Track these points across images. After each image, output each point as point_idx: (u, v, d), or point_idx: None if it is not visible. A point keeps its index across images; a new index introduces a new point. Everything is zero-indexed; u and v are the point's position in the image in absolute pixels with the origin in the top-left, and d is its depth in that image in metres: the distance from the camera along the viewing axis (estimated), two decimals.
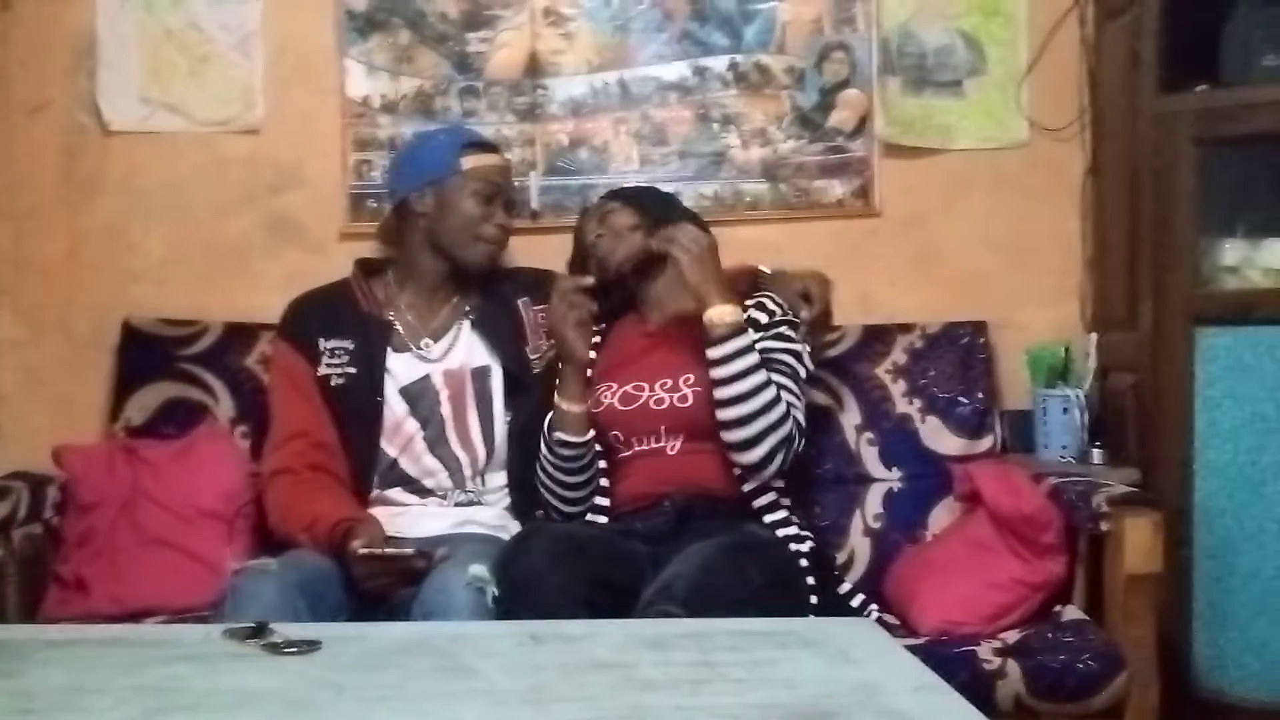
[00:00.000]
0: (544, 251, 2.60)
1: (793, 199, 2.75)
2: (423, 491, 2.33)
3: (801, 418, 2.19)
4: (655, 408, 2.22)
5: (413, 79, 2.77)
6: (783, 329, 2.26)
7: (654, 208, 2.39)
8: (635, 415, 2.23)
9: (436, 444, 2.33)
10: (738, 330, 2.13)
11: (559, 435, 2.21)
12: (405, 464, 2.32)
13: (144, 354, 2.60)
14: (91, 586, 2.28)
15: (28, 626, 2.14)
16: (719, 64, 2.76)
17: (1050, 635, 2.05)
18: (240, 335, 2.62)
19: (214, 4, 2.76)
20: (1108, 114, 2.66)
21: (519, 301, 2.45)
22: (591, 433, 2.24)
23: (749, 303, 2.27)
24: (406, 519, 2.27)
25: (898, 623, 2.19)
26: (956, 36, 2.75)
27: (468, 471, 2.34)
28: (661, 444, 2.22)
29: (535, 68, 2.77)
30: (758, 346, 2.17)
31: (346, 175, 2.76)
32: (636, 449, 2.24)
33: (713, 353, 2.12)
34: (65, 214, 2.74)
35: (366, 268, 2.47)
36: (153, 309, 2.67)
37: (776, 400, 2.13)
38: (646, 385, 2.24)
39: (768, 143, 2.76)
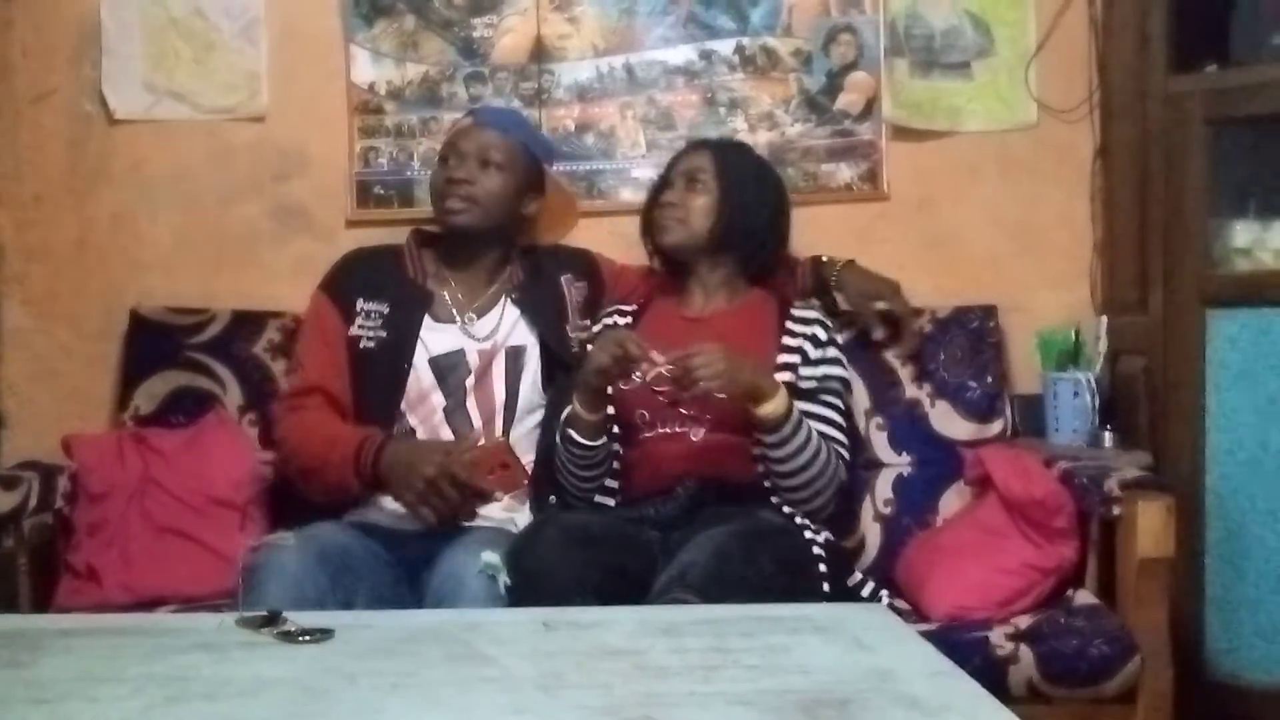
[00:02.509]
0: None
1: (801, 183, 2.73)
2: None
3: (846, 452, 2.22)
4: (689, 392, 2.17)
5: (419, 65, 2.76)
6: (829, 351, 2.28)
7: (739, 193, 2.32)
8: (663, 401, 2.20)
9: (454, 416, 2.30)
10: (786, 416, 2.10)
11: (572, 435, 2.20)
12: (423, 436, 2.29)
13: (152, 343, 2.60)
14: (103, 576, 2.28)
15: (40, 616, 2.15)
16: (725, 47, 2.75)
17: (1063, 620, 2.05)
18: (248, 323, 2.61)
19: None
20: (1117, 95, 2.64)
21: (561, 279, 2.43)
22: (604, 440, 2.21)
23: (801, 328, 2.27)
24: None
25: (909, 608, 2.19)
26: (964, 17, 2.74)
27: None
28: (685, 429, 2.20)
29: (541, 52, 2.76)
30: (807, 375, 2.20)
31: (353, 162, 2.75)
32: (660, 431, 2.22)
33: (766, 437, 2.12)
34: (72, 203, 2.74)
35: (422, 238, 2.44)
36: (160, 298, 2.67)
37: (829, 460, 2.15)
38: (682, 367, 2.18)
39: (775, 126, 2.75)
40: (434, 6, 2.76)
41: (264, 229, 2.75)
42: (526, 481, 2.19)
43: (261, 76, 2.76)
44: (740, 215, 2.31)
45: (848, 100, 2.74)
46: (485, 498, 2.12)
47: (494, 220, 2.35)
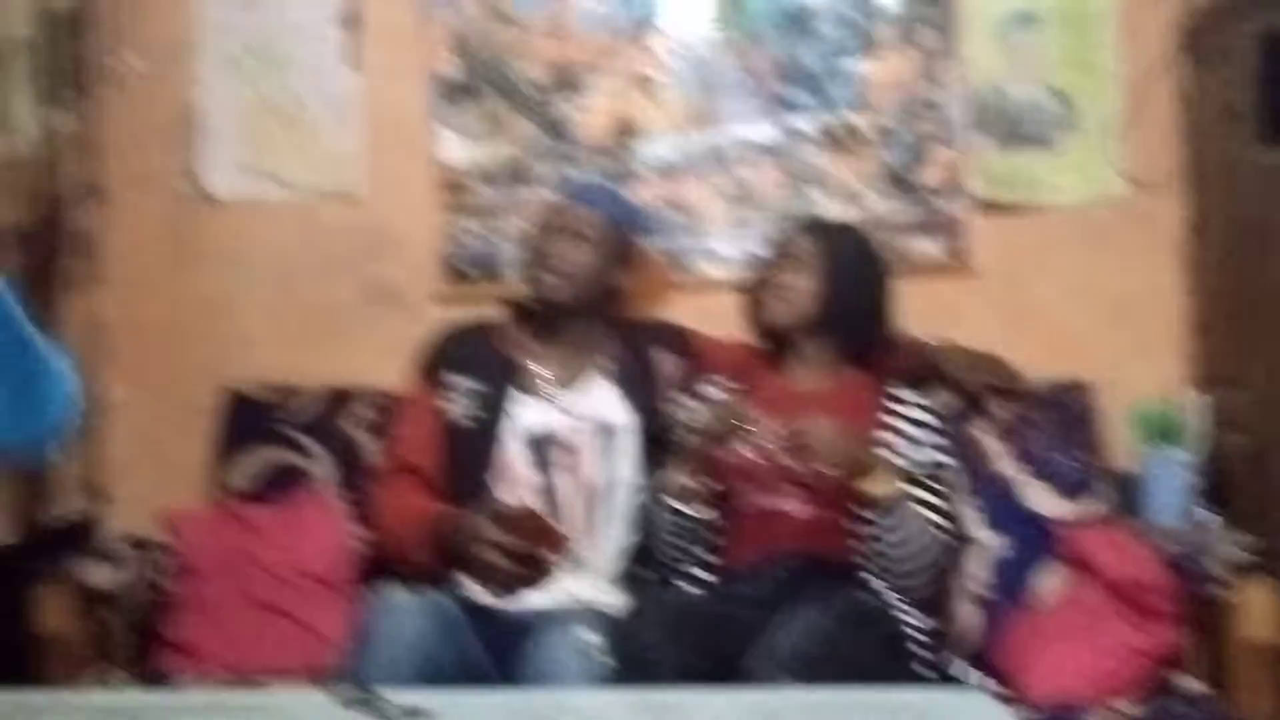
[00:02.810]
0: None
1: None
2: None
3: (946, 536, 2.22)
4: (790, 469, 2.18)
5: (505, 145, 2.81)
6: (932, 435, 2.27)
7: (843, 274, 2.33)
8: (765, 473, 2.20)
9: (550, 495, 2.31)
10: (892, 497, 2.12)
11: (671, 502, 2.20)
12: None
13: (247, 419, 2.64)
14: (201, 650, 2.31)
15: (143, 692, 2.17)
16: (807, 123, 2.77)
17: (1169, 708, 2.00)
18: (340, 400, 2.65)
19: (312, 75, 2.82)
20: (1206, 167, 2.62)
21: (655, 352, 2.44)
22: (703, 508, 2.21)
23: (903, 409, 2.27)
24: None
25: (1007, 692, 2.15)
26: (1047, 91, 2.74)
27: (578, 532, 2.29)
28: (784, 505, 2.20)
29: (625, 130, 2.79)
30: (909, 457, 2.20)
31: (442, 241, 2.80)
32: (759, 504, 2.22)
33: (870, 516, 2.12)
34: (170, 281, 2.81)
35: (516, 313, 2.47)
36: (255, 375, 2.72)
37: (929, 543, 2.15)
38: (781, 445, 2.19)
39: (857, 201, 2.76)
40: (519, 88, 2.80)
41: (355, 307, 2.79)
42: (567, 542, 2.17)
43: (353, 158, 2.82)
44: (844, 297, 2.32)
45: (930, 175, 2.75)
46: (539, 562, 2.11)
47: (585, 294, 2.37)
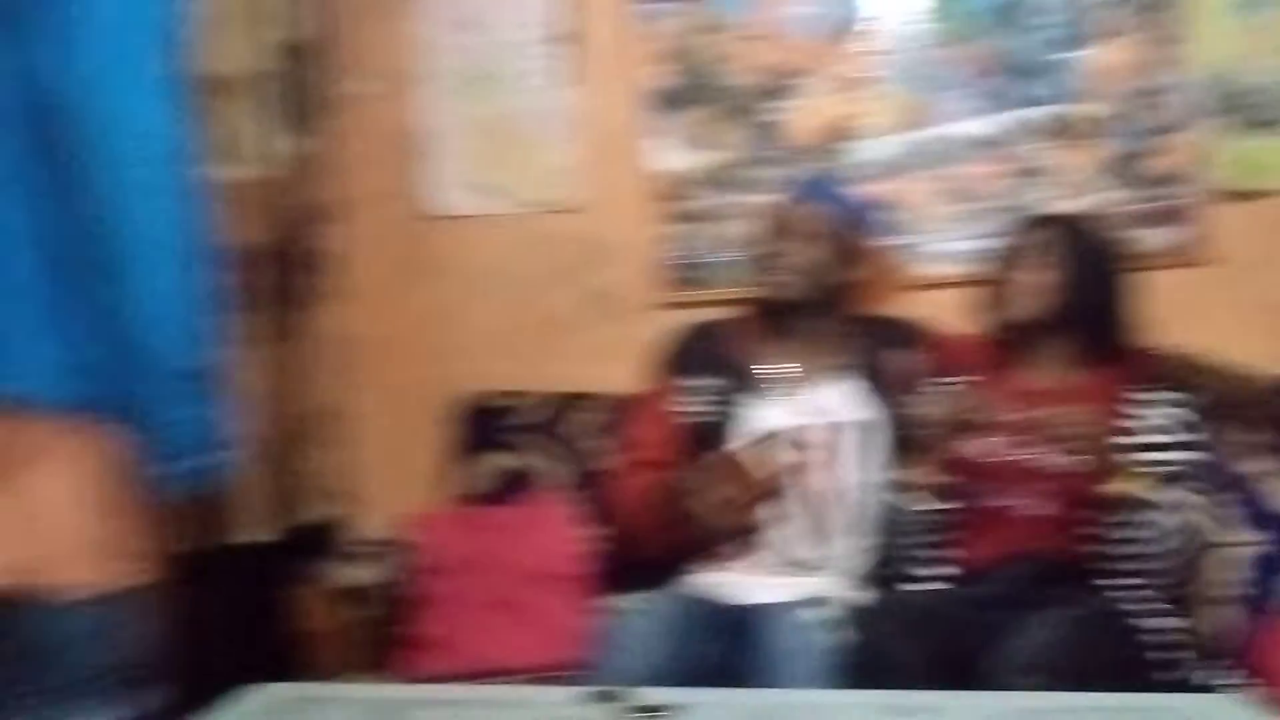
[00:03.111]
0: None
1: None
2: (768, 549, 2.30)
3: (1199, 536, 2.16)
4: (1025, 468, 2.16)
5: (719, 151, 2.84)
6: (1182, 434, 2.20)
7: (1085, 269, 2.29)
8: (1001, 470, 2.17)
9: (790, 494, 2.31)
10: (1143, 499, 2.08)
11: (909, 498, 2.19)
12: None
13: (479, 425, 2.74)
14: (442, 647, 2.41)
15: (394, 685, 2.27)
16: (1030, 116, 2.71)
17: None
18: (567, 405, 2.73)
19: (531, 92, 2.91)
20: None
21: (890, 348, 2.43)
22: (940, 504, 2.20)
23: (1150, 410, 2.21)
24: (747, 581, 2.26)
25: (1268, 699, 2.05)
26: None
27: (817, 531, 2.32)
28: (1019, 504, 2.16)
29: (838, 132, 2.78)
30: (1158, 458, 2.14)
31: (660, 248, 2.85)
32: (991, 503, 2.18)
33: (1117, 518, 2.09)
34: (404, 294, 2.93)
35: (750, 314, 2.49)
36: (486, 382, 2.82)
37: (1183, 544, 2.11)
38: (1020, 441, 2.17)
39: (1086, 194, 2.68)
40: (731, 94, 2.83)
41: (578, 314, 2.86)
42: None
43: (572, 170, 2.89)
44: (1085, 291, 2.27)
45: (1162, 164, 2.65)
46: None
47: (816, 292, 2.37)
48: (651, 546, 2.26)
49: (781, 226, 2.41)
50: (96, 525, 1.44)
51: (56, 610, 1.40)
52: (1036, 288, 2.27)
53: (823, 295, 2.39)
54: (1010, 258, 2.36)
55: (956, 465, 2.20)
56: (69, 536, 1.42)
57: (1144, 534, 2.05)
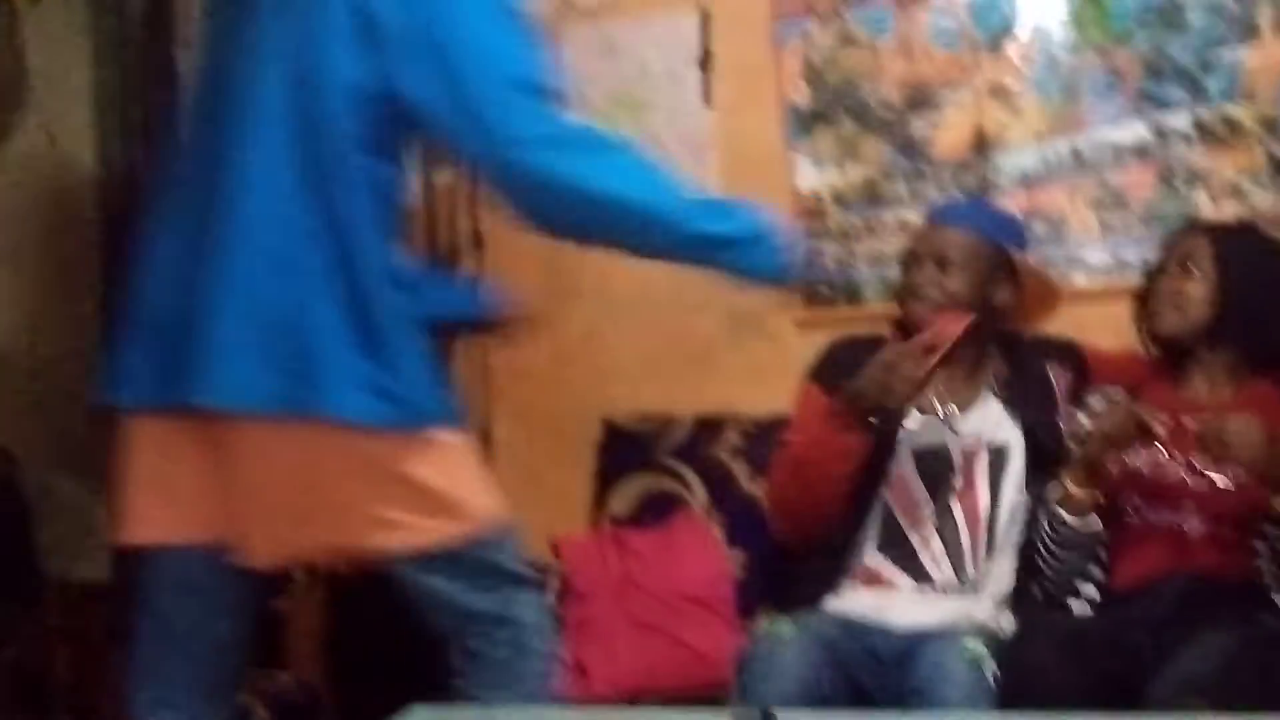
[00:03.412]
0: None
1: None
2: (918, 571, 2.27)
3: None
4: (1187, 483, 2.09)
5: (859, 167, 2.82)
6: None
7: (1239, 278, 2.20)
8: (1162, 486, 2.11)
9: (941, 516, 2.28)
10: None
11: (1060, 513, 2.13)
12: (907, 529, 2.28)
13: (624, 449, 2.77)
14: (590, 670, 2.43)
15: (543, 708, 2.30)
16: (1180, 120, 2.62)
17: None
18: (710, 428, 2.73)
19: (669, 115, 2.92)
20: None
21: (1047, 368, 2.37)
22: (1094, 520, 2.13)
23: None
24: (896, 604, 2.23)
25: None
26: None
27: (968, 554, 2.27)
28: (1180, 520, 2.10)
29: (982, 144, 2.74)
30: None
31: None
32: (1151, 520, 2.12)
33: None
34: (549, 320, 2.97)
35: (904, 327, 2.43)
36: (629, 406, 2.84)
37: None
38: (1182, 456, 2.11)
39: (1242, 199, 2.58)
40: (872, 109, 2.81)
41: (720, 337, 2.85)
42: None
43: (712, 192, 2.90)
44: (1242, 302, 2.18)
45: None
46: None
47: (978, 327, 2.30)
48: (807, 520, 2.25)
49: (918, 253, 2.36)
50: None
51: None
52: (1184, 300, 2.21)
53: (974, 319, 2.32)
54: (1157, 270, 2.29)
55: (1117, 481, 2.14)
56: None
57: None
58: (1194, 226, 2.35)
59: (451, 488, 1.82)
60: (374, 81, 1.76)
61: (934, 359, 2.15)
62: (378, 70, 1.75)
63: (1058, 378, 2.36)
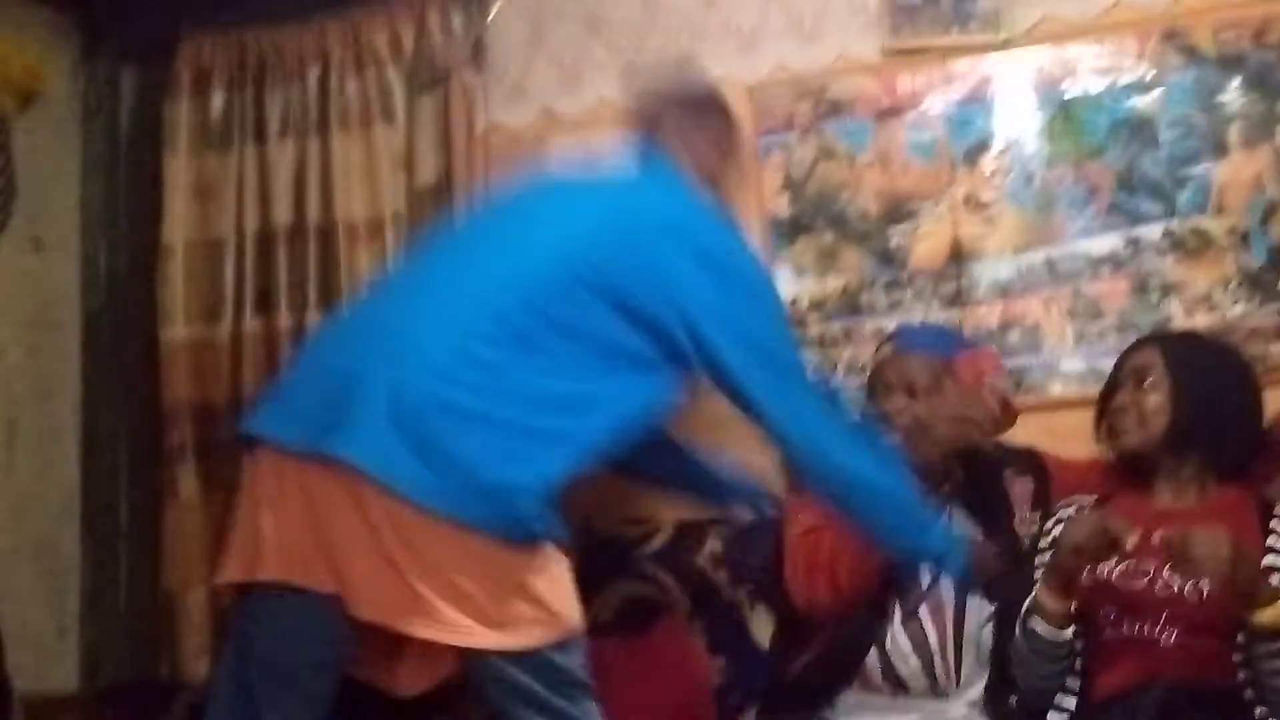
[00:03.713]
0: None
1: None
2: (895, 680, 2.27)
3: None
4: (1160, 594, 2.08)
5: (839, 276, 2.85)
6: None
7: (1194, 386, 2.20)
8: (1136, 596, 2.09)
9: (906, 622, 2.29)
10: None
11: (1035, 626, 2.13)
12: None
13: (605, 555, 2.73)
14: None
15: None
16: (1152, 232, 2.67)
17: None
18: (690, 534, 2.72)
19: None
20: None
21: (1004, 475, 2.40)
22: (1069, 631, 2.12)
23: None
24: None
25: None
26: None
27: (937, 658, 2.27)
28: (1156, 632, 2.07)
29: (959, 254, 2.78)
30: None
31: None
32: (1126, 633, 2.09)
33: (1264, 646, 1.97)
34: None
35: None
36: (610, 512, 2.81)
37: None
38: (1153, 566, 2.09)
39: (1214, 309, 2.62)
40: (851, 220, 2.85)
41: (697, 443, 2.83)
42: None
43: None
44: (1200, 410, 2.18)
45: None
46: None
47: (940, 446, 2.35)
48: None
49: (882, 382, 2.40)
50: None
51: None
52: (1144, 414, 2.20)
53: (940, 440, 2.35)
54: (1113, 385, 2.30)
55: (1089, 592, 2.12)
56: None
57: None
58: (1145, 339, 2.35)
59: (553, 598, 1.96)
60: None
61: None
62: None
63: (1016, 486, 2.38)
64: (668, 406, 2.14)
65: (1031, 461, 2.44)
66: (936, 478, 2.36)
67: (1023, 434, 2.56)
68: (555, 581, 1.97)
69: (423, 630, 1.90)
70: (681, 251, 2.06)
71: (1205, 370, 2.23)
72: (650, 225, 2.09)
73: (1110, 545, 2.01)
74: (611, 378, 2.01)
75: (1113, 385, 2.30)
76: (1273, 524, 2.13)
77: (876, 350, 2.53)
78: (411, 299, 2.06)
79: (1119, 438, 2.25)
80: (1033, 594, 2.12)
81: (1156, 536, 2.01)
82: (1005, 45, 2.78)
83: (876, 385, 2.42)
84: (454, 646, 1.93)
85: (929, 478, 2.33)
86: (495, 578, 1.89)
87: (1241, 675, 2.01)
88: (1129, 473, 2.28)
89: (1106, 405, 2.29)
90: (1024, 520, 2.35)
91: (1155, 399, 2.20)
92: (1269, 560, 2.08)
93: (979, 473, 2.40)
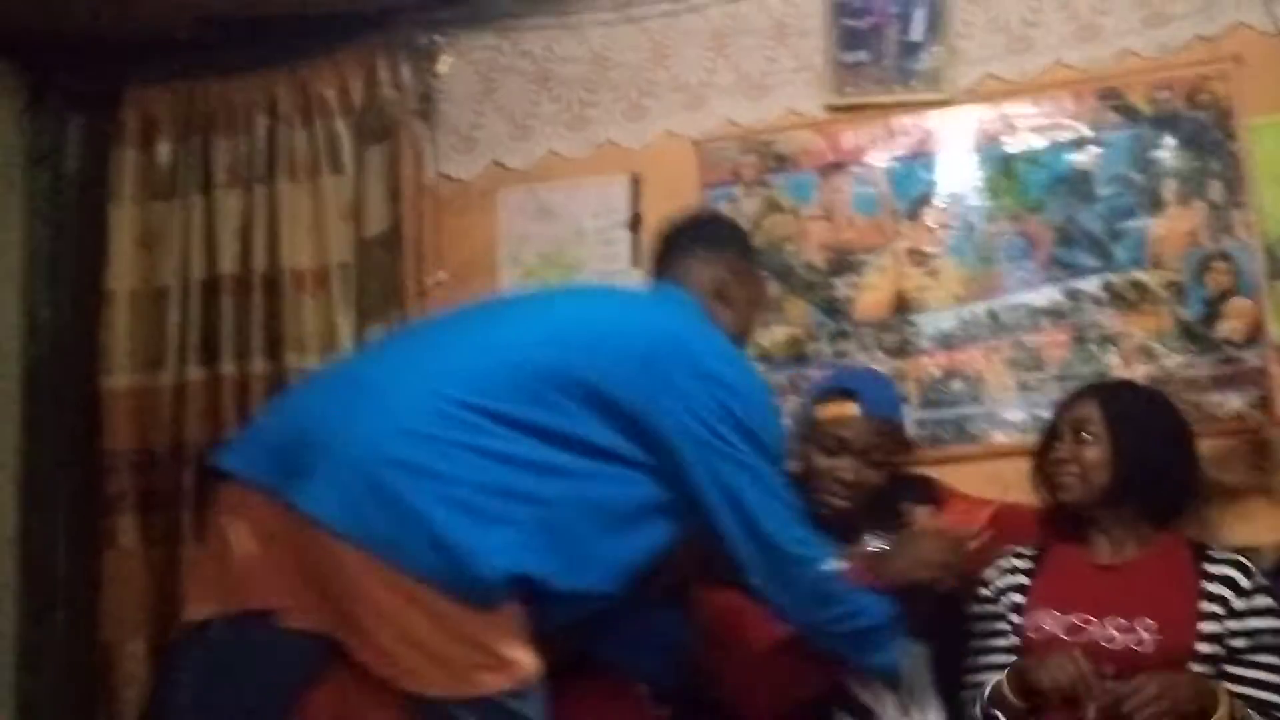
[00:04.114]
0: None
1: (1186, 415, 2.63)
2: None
3: None
4: (1105, 645, 2.07)
5: (785, 327, 2.88)
6: (1257, 599, 2.11)
7: (1133, 439, 2.20)
8: (1081, 651, 2.07)
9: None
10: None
11: (996, 714, 2.11)
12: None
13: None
14: None
15: None
16: (1091, 285, 2.73)
17: None
18: None
19: (601, 277, 2.96)
20: None
21: (902, 505, 2.39)
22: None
23: (1221, 570, 2.13)
24: None
25: None
26: None
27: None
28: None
29: (902, 305, 2.82)
30: (1235, 629, 2.07)
31: None
32: None
33: None
34: None
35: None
36: None
37: None
38: (1095, 620, 2.10)
39: (1152, 359, 2.67)
40: (797, 272, 2.89)
41: None
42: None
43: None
44: (1139, 463, 2.19)
45: (1229, 328, 2.64)
46: None
47: (867, 499, 2.36)
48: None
49: (810, 439, 2.38)
50: None
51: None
52: (1084, 467, 2.21)
53: (868, 490, 2.37)
54: (1050, 437, 2.30)
55: (1032, 634, 2.14)
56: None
57: None
58: (1083, 391, 2.34)
59: (507, 648, 1.90)
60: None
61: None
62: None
63: (917, 514, 2.38)
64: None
65: (927, 491, 2.45)
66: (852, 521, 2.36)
67: (964, 481, 2.59)
68: (510, 634, 1.93)
69: (382, 671, 1.88)
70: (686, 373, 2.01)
71: (1143, 423, 2.23)
72: (656, 339, 2.05)
73: (1083, 691, 1.99)
74: (597, 481, 1.97)
75: (1051, 436, 2.31)
76: (1206, 568, 2.15)
77: (825, 401, 2.43)
78: (397, 362, 2.05)
79: (1061, 491, 2.25)
80: (992, 685, 2.12)
81: (1105, 686, 1.99)
82: (947, 103, 2.84)
83: (806, 442, 2.39)
84: (410, 698, 1.90)
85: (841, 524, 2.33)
86: (448, 629, 1.87)
87: None
88: (1066, 521, 2.29)
89: (1045, 456, 2.30)
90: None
91: (1095, 453, 2.20)
92: (1204, 606, 2.09)
93: (878, 503, 2.38)
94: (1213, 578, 2.13)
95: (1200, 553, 2.19)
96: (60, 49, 3.17)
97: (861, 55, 2.90)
